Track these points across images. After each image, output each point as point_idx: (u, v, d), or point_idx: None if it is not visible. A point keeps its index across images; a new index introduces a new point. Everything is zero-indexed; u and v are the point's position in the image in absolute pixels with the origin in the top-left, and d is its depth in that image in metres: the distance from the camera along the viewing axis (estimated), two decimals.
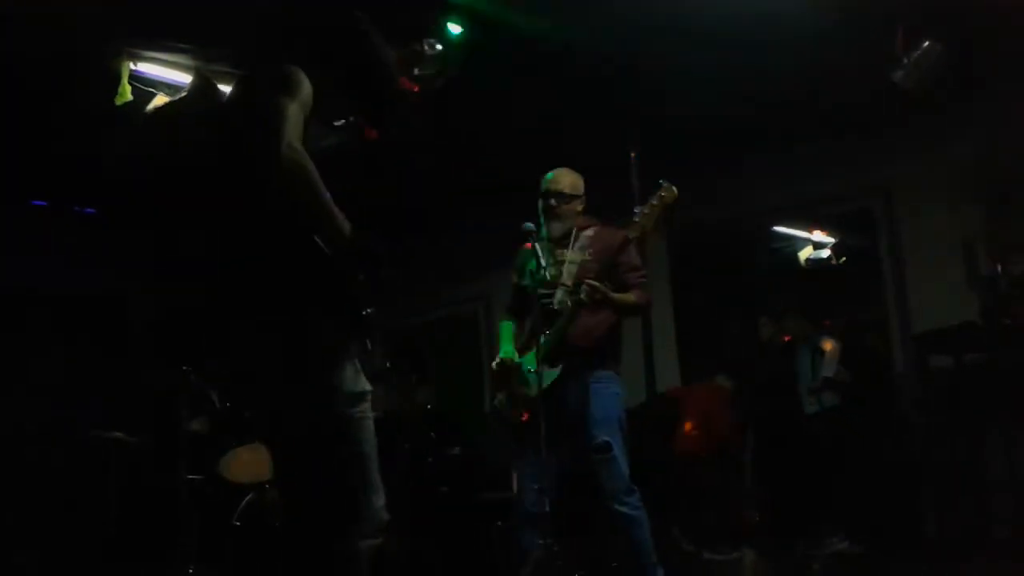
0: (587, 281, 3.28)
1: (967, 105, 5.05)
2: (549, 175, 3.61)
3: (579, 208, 3.61)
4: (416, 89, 3.83)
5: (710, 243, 6.58)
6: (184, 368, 4.36)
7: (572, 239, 3.55)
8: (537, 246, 3.38)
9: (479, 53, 4.15)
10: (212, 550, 4.26)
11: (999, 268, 4.94)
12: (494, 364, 3.60)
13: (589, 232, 3.58)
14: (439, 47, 3.88)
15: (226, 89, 3.84)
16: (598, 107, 5.10)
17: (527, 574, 3.32)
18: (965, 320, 4.86)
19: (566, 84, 4.85)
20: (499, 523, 4.78)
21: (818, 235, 6.87)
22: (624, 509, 3.30)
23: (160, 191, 5.39)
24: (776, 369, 5.87)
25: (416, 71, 3.81)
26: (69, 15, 3.88)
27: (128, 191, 5.89)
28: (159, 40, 4.17)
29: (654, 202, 3.32)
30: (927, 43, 4.24)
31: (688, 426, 5.78)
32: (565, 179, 3.60)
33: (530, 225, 3.45)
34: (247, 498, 4.37)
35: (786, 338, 5.96)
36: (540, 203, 3.58)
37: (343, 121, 2.35)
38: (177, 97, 4.29)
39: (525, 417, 3.42)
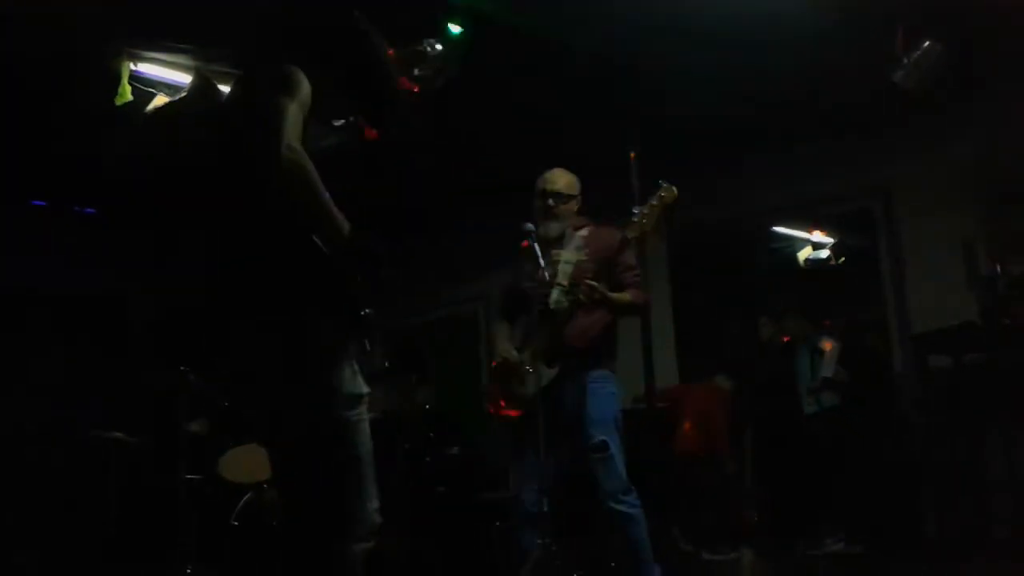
0: (586, 281, 3.28)
1: (967, 105, 5.05)
2: (546, 175, 3.61)
3: (575, 208, 3.62)
4: (416, 89, 3.83)
5: (710, 243, 6.58)
6: (184, 368, 4.36)
7: (567, 239, 3.55)
8: (536, 246, 3.38)
9: (479, 53, 4.15)
10: (210, 550, 4.26)
11: (999, 268, 4.94)
12: (495, 362, 3.59)
13: (583, 232, 3.58)
14: (439, 47, 3.88)
15: (226, 89, 3.84)
16: (598, 107, 5.10)
17: (526, 574, 3.32)
18: (965, 320, 4.86)
19: (566, 84, 4.85)
20: (498, 523, 4.78)
21: (818, 235, 6.87)
22: (621, 508, 3.31)
23: (160, 191, 5.40)
24: (776, 369, 5.87)
25: (416, 71, 3.80)
26: (69, 15, 3.88)
27: (128, 191, 5.89)
28: (159, 40, 4.17)
29: (654, 202, 3.32)
30: (927, 43, 4.24)
31: (687, 426, 5.78)
32: (562, 179, 3.60)
33: (530, 225, 3.45)
34: (245, 498, 4.38)
35: (785, 338, 5.96)
36: (537, 203, 3.58)
37: (343, 121, 2.34)
38: (177, 97, 4.29)
39: (515, 414, 3.43)
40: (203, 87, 4.16)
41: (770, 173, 5.98)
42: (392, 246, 2.17)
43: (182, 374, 4.36)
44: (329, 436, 2.13)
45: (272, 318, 2.14)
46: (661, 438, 5.57)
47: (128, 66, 4.17)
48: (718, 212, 6.14)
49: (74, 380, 6.22)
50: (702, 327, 6.53)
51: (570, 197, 3.59)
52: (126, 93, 4.14)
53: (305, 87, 2.13)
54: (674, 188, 3.33)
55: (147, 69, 4.29)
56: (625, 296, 3.44)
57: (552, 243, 3.52)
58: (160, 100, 4.28)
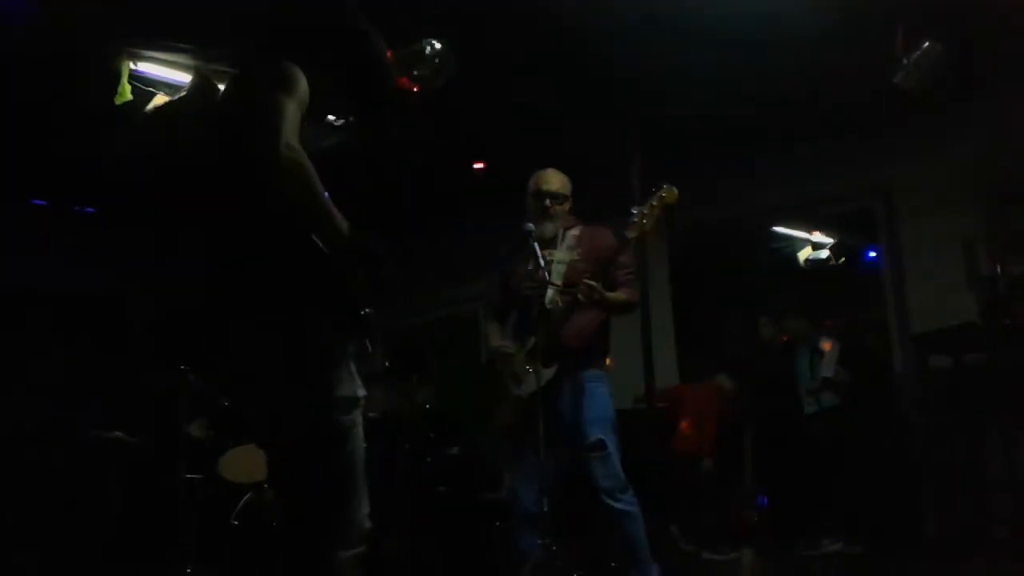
0: (585, 281, 3.28)
1: (967, 105, 5.05)
2: (541, 175, 3.60)
3: (568, 208, 3.62)
4: (416, 89, 3.83)
5: (710, 243, 6.58)
6: (184, 368, 4.36)
7: (559, 239, 3.55)
8: (536, 246, 3.39)
9: (479, 53, 4.15)
10: (210, 550, 4.26)
11: (999, 268, 4.94)
12: (495, 350, 3.57)
13: (575, 231, 3.59)
14: (439, 46, 3.88)
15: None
16: (598, 107, 5.10)
17: (526, 575, 3.32)
18: (965, 320, 4.86)
19: (566, 84, 4.85)
20: (498, 523, 4.78)
21: (818, 235, 6.88)
22: (620, 506, 3.31)
23: (160, 191, 5.39)
24: (776, 369, 5.87)
25: (415, 71, 3.80)
26: (69, 15, 3.88)
27: (128, 191, 5.89)
28: (159, 40, 4.17)
29: (654, 203, 3.32)
30: (927, 43, 4.24)
31: (685, 425, 5.79)
32: (557, 179, 3.60)
33: (531, 226, 3.46)
34: (245, 498, 4.37)
35: (784, 338, 5.96)
36: (533, 204, 3.57)
37: (343, 121, 2.34)
38: (177, 97, 4.29)
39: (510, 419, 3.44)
40: (203, 86, 4.15)
41: (770, 173, 5.98)
42: (392, 246, 2.17)
43: (182, 374, 4.36)
44: (324, 439, 2.12)
45: (271, 318, 2.13)
46: (661, 438, 5.57)
47: (128, 65, 4.17)
48: (718, 212, 6.14)
49: (74, 380, 6.22)
50: (702, 327, 6.54)
51: (565, 198, 3.60)
52: (126, 93, 4.14)
53: (303, 85, 2.13)
54: (674, 189, 3.33)
55: (147, 68, 4.29)
56: (621, 295, 3.45)
57: (547, 243, 3.52)
58: (160, 99, 4.28)
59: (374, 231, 2.16)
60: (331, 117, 2.31)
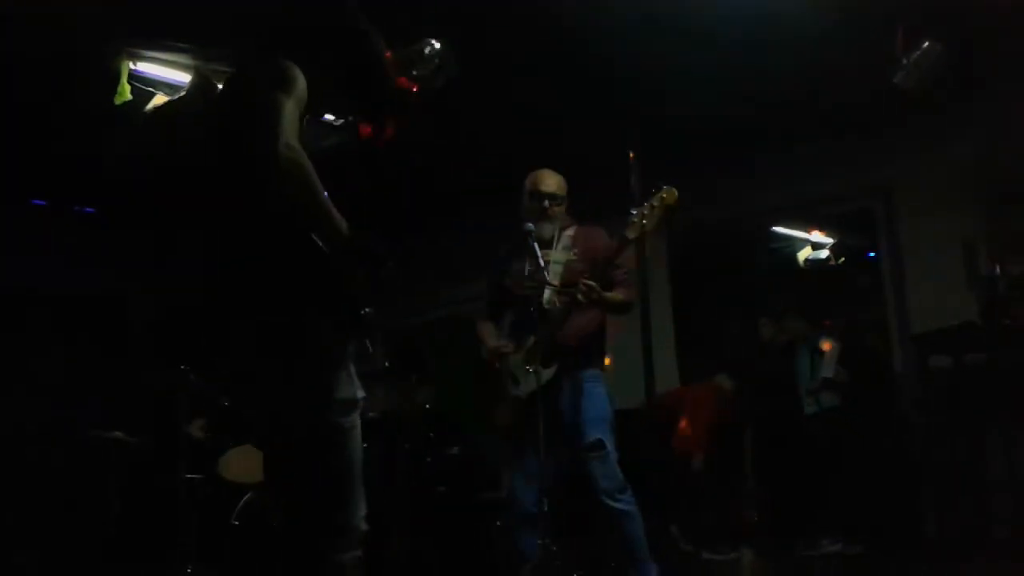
0: (584, 281, 3.28)
1: (967, 105, 5.04)
2: (539, 176, 3.60)
3: (564, 209, 3.63)
4: (416, 89, 3.83)
5: (710, 243, 6.58)
6: (183, 368, 4.36)
7: (555, 239, 3.56)
8: (536, 246, 3.39)
9: (479, 53, 4.15)
10: (211, 550, 4.26)
11: (999, 268, 4.94)
12: (492, 350, 3.57)
13: (570, 231, 3.59)
14: (439, 46, 3.88)
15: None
16: (598, 107, 5.09)
17: (527, 575, 3.32)
18: (965, 320, 4.85)
19: (566, 84, 4.85)
20: (498, 523, 4.77)
21: (818, 235, 6.87)
22: (619, 506, 3.32)
23: (159, 191, 5.39)
24: (776, 369, 5.86)
25: (415, 71, 3.80)
26: (69, 15, 3.88)
27: (128, 191, 5.89)
28: (159, 39, 4.17)
29: (654, 203, 3.32)
30: (927, 43, 4.24)
31: (683, 423, 5.79)
32: (554, 180, 3.61)
33: (531, 225, 3.46)
34: (245, 498, 4.37)
35: (783, 338, 5.96)
36: (531, 204, 3.57)
37: (343, 121, 2.34)
38: (176, 96, 4.29)
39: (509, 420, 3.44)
40: (203, 86, 4.15)
41: (770, 173, 5.98)
42: (392, 246, 2.17)
43: (182, 374, 4.36)
44: (322, 441, 2.12)
45: (271, 319, 2.13)
46: (661, 438, 5.57)
47: (128, 65, 4.17)
48: (718, 212, 6.14)
49: (74, 380, 6.22)
50: (702, 327, 6.53)
51: (562, 198, 3.60)
52: (126, 92, 4.14)
53: (301, 83, 2.12)
54: (674, 190, 3.33)
55: (147, 68, 4.29)
56: (618, 295, 3.46)
57: (544, 244, 3.52)
58: (160, 99, 4.29)
59: (374, 231, 2.16)
60: (331, 117, 2.31)
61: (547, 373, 3.33)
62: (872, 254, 6.16)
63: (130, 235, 6.44)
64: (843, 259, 6.80)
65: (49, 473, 5.71)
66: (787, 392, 5.70)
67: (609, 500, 3.31)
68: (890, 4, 4.12)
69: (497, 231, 3.89)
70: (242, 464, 4.48)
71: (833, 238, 6.86)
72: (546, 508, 3.23)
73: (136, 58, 4.20)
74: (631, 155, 4.72)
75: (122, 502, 5.05)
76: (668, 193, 3.32)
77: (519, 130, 5.20)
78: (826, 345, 5.51)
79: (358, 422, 2.18)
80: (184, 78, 4.32)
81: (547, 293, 3.40)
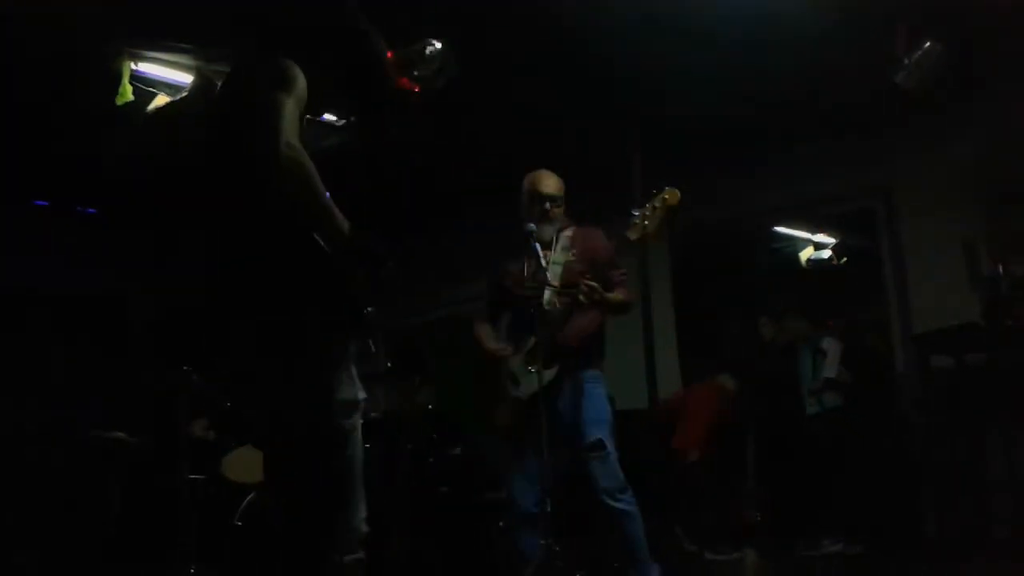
0: (586, 282, 3.28)
1: (967, 105, 5.05)
2: (539, 178, 3.60)
3: (563, 209, 3.63)
4: (416, 89, 3.83)
5: (710, 243, 6.57)
6: (185, 368, 4.36)
7: (554, 240, 3.56)
8: (538, 247, 3.39)
9: (479, 53, 4.15)
10: (212, 550, 4.26)
11: (1000, 268, 4.94)
12: (491, 353, 3.56)
13: (568, 232, 3.59)
14: (439, 46, 3.88)
15: None
16: (598, 107, 5.09)
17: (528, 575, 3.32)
18: (966, 320, 4.85)
19: (566, 84, 4.85)
20: (500, 523, 4.77)
21: (818, 235, 6.87)
22: (620, 506, 3.32)
23: (160, 191, 5.40)
24: (777, 370, 5.86)
25: (416, 71, 3.80)
26: (69, 15, 3.88)
27: (129, 191, 5.89)
28: (160, 40, 4.17)
29: (656, 204, 3.31)
30: (928, 43, 4.24)
31: (688, 426, 5.79)
32: (554, 182, 3.61)
33: (532, 226, 3.45)
34: (248, 498, 4.37)
35: (784, 338, 5.96)
36: (533, 207, 3.56)
37: (343, 121, 2.34)
38: (178, 97, 4.29)
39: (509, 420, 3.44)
40: (204, 87, 4.15)
41: (770, 173, 5.98)
42: (392, 246, 2.17)
43: (183, 374, 4.35)
44: (323, 442, 2.12)
45: (272, 319, 2.13)
46: (661, 438, 5.57)
47: (129, 66, 4.17)
48: (718, 212, 6.13)
49: (74, 380, 6.22)
50: (703, 327, 6.53)
51: (562, 199, 3.60)
52: (127, 93, 4.14)
53: (301, 83, 2.12)
54: (676, 191, 3.33)
55: (148, 69, 4.29)
56: (619, 296, 3.46)
57: (543, 245, 3.52)
58: (161, 100, 4.28)
59: (374, 231, 2.16)
60: (331, 117, 2.31)
61: (548, 374, 3.33)
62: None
63: (131, 235, 6.44)
64: (844, 259, 6.80)
65: (49, 473, 5.71)
66: (789, 392, 5.70)
67: (610, 500, 3.32)
68: (890, 4, 4.12)
69: (497, 231, 3.89)
70: (245, 464, 4.47)
71: (834, 238, 6.86)
72: (548, 508, 3.23)
73: (137, 58, 4.20)
74: (631, 155, 4.72)
75: (123, 502, 5.05)
76: (670, 194, 3.31)
77: (519, 130, 5.20)
78: (828, 345, 5.51)
79: (359, 423, 2.19)
80: (185, 79, 4.32)
81: (547, 294, 3.40)
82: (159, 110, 4.27)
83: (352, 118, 2.36)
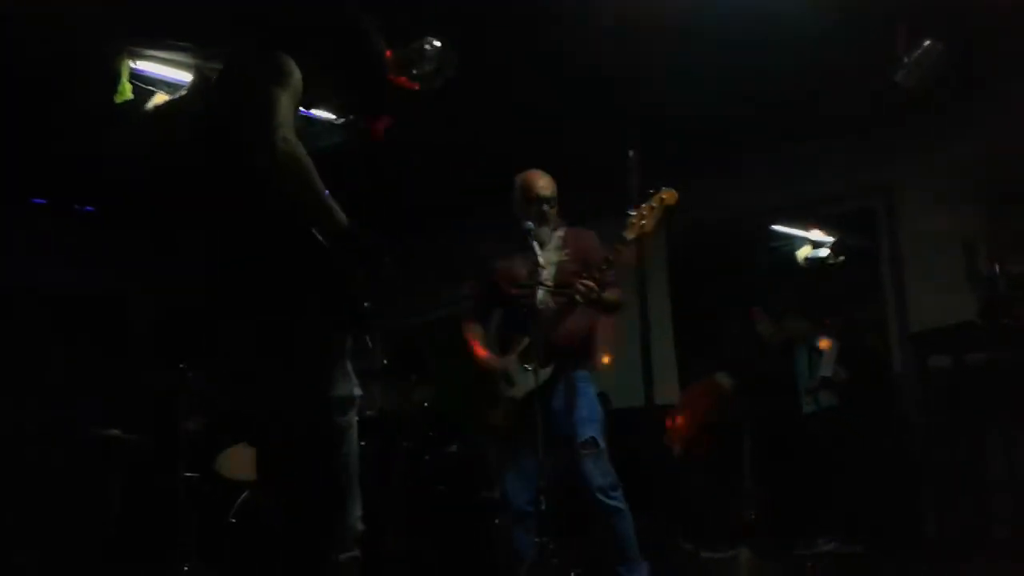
0: (583, 282, 3.29)
1: (967, 105, 5.05)
2: (537, 180, 3.59)
3: (556, 209, 3.64)
4: (416, 88, 3.83)
5: (710, 243, 6.57)
6: (183, 366, 4.36)
7: (548, 240, 3.56)
8: (536, 246, 3.39)
9: (479, 53, 4.15)
10: (209, 548, 4.26)
11: (998, 268, 4.94)
12: (486, 362, 3.56)
13: (560, 232, 3.60)
14: (438, 45, 3.88)
15: None
16: (598, 107, 5.09)
17: (525, 574, 3.32)
18: (964, 320, 4.85)
19: (566, 84, 4.85)
20: (497, 521, 4.77)
21: (818, 235, 6.87)
22: (613, 503, 3.34)
23: (159, 190, 5.40)
24: (775, 369, 5.87)
25: (415, 70, 3.80)
26: (69, 15, 3.89)
27: (128, 190, 5.89)
28: (159, 38, 4.17)
29: (653, 204, 3.32)
30: (927, 42, 4.24)
31: (678, 420, 5.79)
32: (550, 182, 3.62)
33: (531, 224, 3.45)
34: (243, 496, 4.37)
35: (782, 336, 5.96)
36: (528, 208, 3.56)
37: (343, 120, 2.34)
38: (177, 95, 4.29)
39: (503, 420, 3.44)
40: (203, 86, 4.15)
41: (770, 173, 5.98)
42: (390, 243, 2.17)
43: (182, 372, 4.36)
44: (321, 440, 2.12)
45: (271, 317, 2.13)
46: (660, 437, 5.57)
47: (128, 64, 4.17)
48: (718, 212, 6.13)
49: (74, 380, 6.22)
50: (701, 327, 6.53)
51: (556, 200, 3.61)
52: (126, 91, 4.14)
53: (297, 77, 2.11)
54: (674, 191, 3.33)
55: (147, 67, 4.29)
56: (613, 296, 3.46)
57: (538, 245, 3.53)
58: (160, 98, 4.28)
59: (372, 228, 2.15)
60: (332, 116, 2.31)
61: (544, 373, 3.34)
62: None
63: (130, 234, 6.44)
64: (841, 258, 6.80)
65: (49, 473, 5.71)
66: (786, 391, 5.71)
67: (603, 497, 3.33)
68: (890, 4, 4.12)
69: (497, 231, 3.89)
70: (240, 462, 4.47)
71: (833, 237, 6.86)
72: (543, 507, 3.24)
73: (136, 57, 4.20)
74: (630, 154, 4.70)
75: (121, 501, 5.05)
76: (667, 194, 3.32)
77: (519, 130, 5.20)
78: (824, 343, 5.51)
79: (355, 420, 2.19)
80: (185, 77, 4.32)
81: (541, 294, 3.40)
82: (157, 108, 4.27)
83: (351, 117, 2.36)
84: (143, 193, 5.79)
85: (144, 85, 4.27)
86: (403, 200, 5.94)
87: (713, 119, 5.23)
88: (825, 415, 5.44)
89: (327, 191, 2.08)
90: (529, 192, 3.57)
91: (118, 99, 4.13)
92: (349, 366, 2.18)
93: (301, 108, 2.15)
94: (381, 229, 2.20)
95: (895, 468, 5.11)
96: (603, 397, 3.87)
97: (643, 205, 3.32)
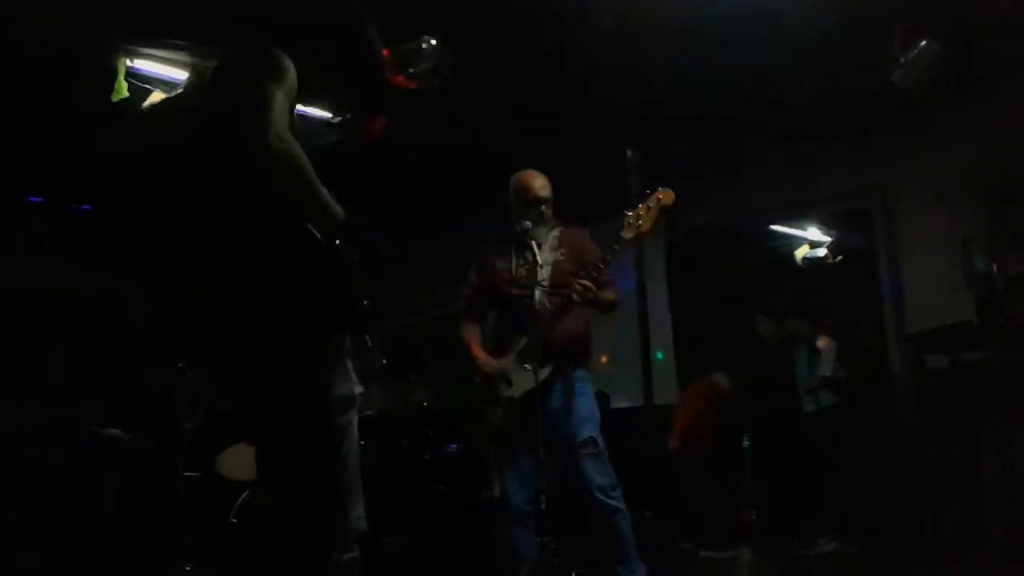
0: (580, 281, 3.29)
1: (965, 105, 5.05)
2: (534, 181, 3.59)
3: (552, 210, 3.64)
4: (414, 86, 3.82)
5: (710, 243, 6.58)
6: (182, 366, 4.36)
7: (544, 240, 3.56)
8: (535, 245, 3.39)
9: (479, 53, 4.15)
10: (208, 548, 4.26)
11: (995, 268, 4.95)
12: (483, 367, 3.56)
13: (556, 232, 3.60)
14: (435, 43, 3.87)
15: None
16: (598, 107, 5.09)
17: (525, 574, 3.33)
18: (961, 320, 4.86)
19: (566, 84, 4.85)
20: (497, 521, 4.77)
21: (816, 234, 6.88)
22: (613, 502, 3.34)
23: (156, 189, 5.39)
24: (774, 368, 5.87)
25: (412, 69, 3.79)
26: (69, 15, 3.88)
27: (125, 189, 5.89)
28: (156, 37, 4.16)
29: (651, 204, 3.32)
30: (924, 42, 4.24)
31: (677, 421, 5.80)
32: (546, 183, 3.62)
33: (528, 223, 3.45)
34: (243, 495, 4.37)
35: (781, 335, 5.96)
36: (525, 208, 3.55)
37: (340, 119, 2.34)
38: (173, 94, 4.28)
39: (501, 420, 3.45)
40: (200, 84, 4.15)
41: (769, 173, 5.98)
42: (387, 238, 2.16)
43: (181, 372, 4.35)
44: (321, 440, 2.12)
45: (270, 317, 2.13)
46: (661, 438, 5.57)
47: (125, 62, 4.16)
48: (717, 212, 6.14)
49: (73, 379, 6.21)
50: (700, 326, 6.53)
51: (552, 201, 3.61)
52: (123, 89, 4.13)
53: (292, 73, 2.10)
54: (671, 191, 3.33)
55: (144, 65, 4.28)
56: (609, 295, 3.46)
57: (537, 245, 3.53)
58: (156, 96, 4.28)
59: (368, 223, 2.15)
60: (329, 115, 2.31)
61: (542, 373, 3.34)
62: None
63: (128, 233, 6.44)
64: (839, 257, 6.81)
65: (48, 473, 5.71)
66: (785, 391, 5.71)
67: (603, 497, 3.33)
68: (890, 4, 4.12)
69: (496, 231, 3.89)
70: (240, 462, 4.47)
71: (831, 237, 6.87)
72: (542, 507, 3.24)
73: (133, 55, 4.19)
74: (629, 154, 4.71)
75: (121, 501, 5.05)
76: (665, 194, 3.32)
77: (519, 130, 5.20)
78: (823, 343, 5.52)
79: (355, 419, 2.18)
80: (181, 75, 4.31)
81: (538, 294, 3.40)
82: (154, 107, 4.27)
83: (348, 116, 2.36)
84: (141, 192, 5.78)
85: (141, 84, 4.26)
86: (401, 199, 5.93)
87: (712, 119, 5.23)
88: (825, 414, 5.44)
89: (321, 185, 2.07)
90: (527, 193, 3.57)
91: (114, 97, 4.12)
92: (349, 365, 2.17)
93: (298, 106, 2.14)
94: (378, 228, 2.20)
95: (893, 467, 5.12)
96: (601, 396, 3.88)
97: (640, 205, 3.32)
